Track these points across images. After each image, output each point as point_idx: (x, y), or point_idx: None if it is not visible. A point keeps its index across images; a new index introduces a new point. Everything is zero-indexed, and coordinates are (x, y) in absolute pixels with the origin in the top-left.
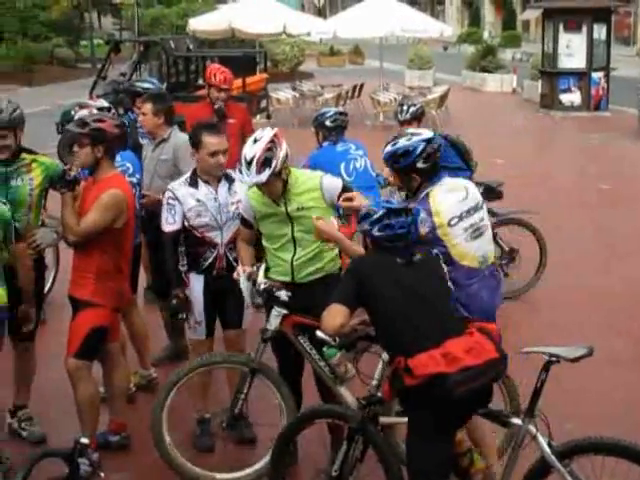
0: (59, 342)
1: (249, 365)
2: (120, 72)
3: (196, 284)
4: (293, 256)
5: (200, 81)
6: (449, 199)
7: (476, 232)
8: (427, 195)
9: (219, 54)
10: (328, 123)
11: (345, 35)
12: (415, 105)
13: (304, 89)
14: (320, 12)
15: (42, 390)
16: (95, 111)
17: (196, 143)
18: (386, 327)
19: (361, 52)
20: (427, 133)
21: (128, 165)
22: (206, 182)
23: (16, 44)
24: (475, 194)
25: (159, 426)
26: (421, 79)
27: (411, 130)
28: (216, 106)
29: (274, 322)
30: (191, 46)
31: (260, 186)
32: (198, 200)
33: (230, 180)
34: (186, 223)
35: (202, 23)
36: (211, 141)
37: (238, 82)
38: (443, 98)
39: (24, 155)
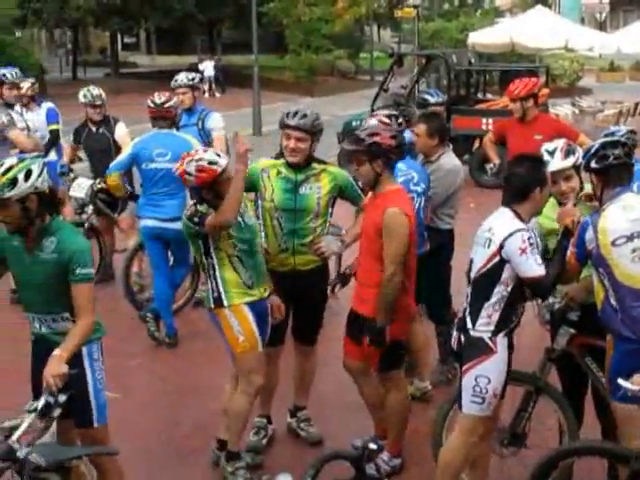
0: (333, 348)
1: (536, 384)
2: (401, 85)
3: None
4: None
5: (479, 95)
6: (620, 217)
7: None
8: (602, 210)
9: (502, 68)
10: None
11: (629, 50)
12: None
13: (583, 105)
14: (601, 26)
15: (318, 393)
16: (382, 121)
17: (541, 179)
18: None
19: None
20: (612, 137)
21: (413, 174)
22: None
23: (299, 56)
24: None
25: (439, 431)
26: None
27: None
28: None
29: (562, 341)
30: (473, 60)
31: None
32: None
33: None
34: None
35: (483, 37)
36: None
37: None
38: None
39: (314, 164)
